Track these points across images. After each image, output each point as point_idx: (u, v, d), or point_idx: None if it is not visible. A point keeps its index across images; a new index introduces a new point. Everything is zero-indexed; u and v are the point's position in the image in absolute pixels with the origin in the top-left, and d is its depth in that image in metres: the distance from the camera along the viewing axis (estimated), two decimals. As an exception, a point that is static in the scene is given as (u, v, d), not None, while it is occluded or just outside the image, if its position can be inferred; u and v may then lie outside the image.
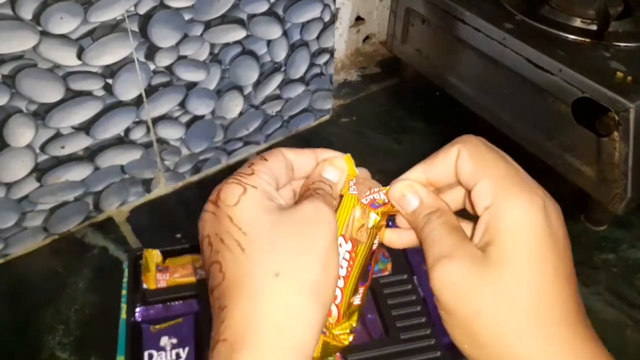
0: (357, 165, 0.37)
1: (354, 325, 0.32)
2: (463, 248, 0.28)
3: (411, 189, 0.32)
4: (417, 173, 0.33)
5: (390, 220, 0.34)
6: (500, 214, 0.28)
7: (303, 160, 0.33)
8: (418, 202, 0.32)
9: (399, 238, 0.34)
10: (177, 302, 0.54)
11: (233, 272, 0.27)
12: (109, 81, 0.62)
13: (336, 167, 0.33)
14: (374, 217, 0.33)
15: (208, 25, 0.67)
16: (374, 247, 0.34)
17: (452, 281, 0.27)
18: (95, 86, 0.61)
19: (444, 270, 0.28)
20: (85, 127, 0.64)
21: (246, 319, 0.26)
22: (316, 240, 0.28)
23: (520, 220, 0.28)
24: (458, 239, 0.29)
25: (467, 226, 0.31)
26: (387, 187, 0.34)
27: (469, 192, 0.31)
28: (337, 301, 0.31)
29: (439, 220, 0.30)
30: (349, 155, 0.35)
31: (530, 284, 0.27)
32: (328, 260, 0.28)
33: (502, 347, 0.27)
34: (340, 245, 0.31)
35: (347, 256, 0.31)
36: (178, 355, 0.51)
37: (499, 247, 0.27)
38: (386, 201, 0.33)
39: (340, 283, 0.31)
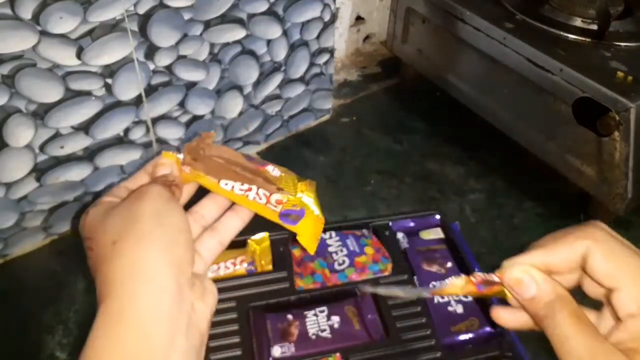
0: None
1: None
2: (604, 353, 0.28)
3: (528, 274, 0.32)
4: (534, 258, 0.33)
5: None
6: None
7: (138, 180, 0.36)
8: (535, 289, 0.31)
9: (514, 320, 0.34)
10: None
11: (92, 262, 0.32)
12: (109, 81, 0.62)
13: (162, 163, 0.36)
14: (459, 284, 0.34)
15: (208, 24, 0.67)
16: None
17: None
18: (94, 86, 0.61)
19: None
20: (85, 127, 0.63)
21: (105, 280, 0.30)
22: (141, 206, 0.32)
23: None
24: (593, 340, 0.29)
25: (589, 314, 0.32)
26: (500, 270, 0.33)
27: (605, 290, 0.31)
28: None
29: (564, 312, 0.30)
30: (164, 152, 0.37)
31: None
32: (158, 218, 0.32)
33: None
34: None
35: None
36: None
37: None
38: (497, 281, 0.33)
39: None
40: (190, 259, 0.32)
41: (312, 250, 0.37)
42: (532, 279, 0.31)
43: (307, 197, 0.38)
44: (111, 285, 0.30)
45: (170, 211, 0.33)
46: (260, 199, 0.36)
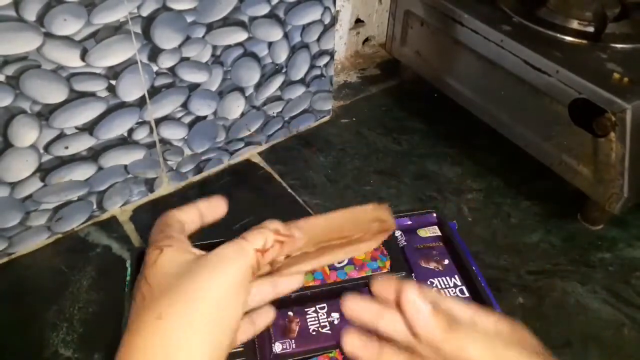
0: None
1: None
2: None
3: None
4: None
5: None
6: None
7: (190, 216, 0.37)
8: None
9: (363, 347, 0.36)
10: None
11: (131, 319, 0.30)
12: (113, 82, 0.63)
13: (265, 228, 0.34)
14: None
15: (210, 27, 0.67)
16: None
17: None
18: (98, 87, 0.62)
19: None
20: (89, 128, 0.64)
21: (130, 351, 0.29)
22: (209, 283, 0.30)
23: None
24: None
25: None
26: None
27: None
28: None
29: None
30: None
31: None
32: (220, 300, 0.30)
33: None
34: None
35: None
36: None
37: None
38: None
39: None
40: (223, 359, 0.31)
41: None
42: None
43: None
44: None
45: (233, 303, 0.31)
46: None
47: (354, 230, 0.36)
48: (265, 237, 0.33)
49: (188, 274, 0.30)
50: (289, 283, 0.37)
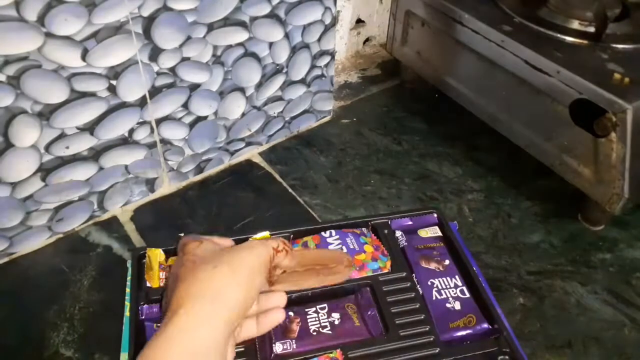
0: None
1: None
2: None
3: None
4: None
5: None
6: None
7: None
8: None
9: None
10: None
11: (182, 275, 0.43)
12: (113, 82, 0.63)
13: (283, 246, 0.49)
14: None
15: (211, 27, 0.67)
16: None
17: None
18: (99, 87, 0.62)
19: None
20: (90, 128, 0.64)
21: (188, 290, 0.42)
22: (245, 254, 0.45)
23: None
24: None
25: None
26: None
27: None
28: None
29: None
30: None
31: None
32: (252, 268, 0.45)
33: None
34: None
35: None
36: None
37: None
38: None
39: None
40: (242, 318, 0.44)
41: None
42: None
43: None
44: (188, 300, 0.40)
45: (257, 276, 0.45)
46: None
47: (330, 262, 0.54)
48: (277, 242, 0.48)
49: (228, 250, 0.46)
50: (270, 321, 0.49)
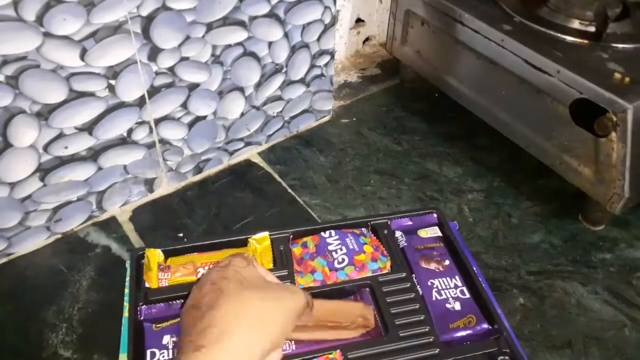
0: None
1: None
2: None
3: None
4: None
5: None
6: None
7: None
8: None
9: None
10: (178, 301, 0.55)
11: (229, 291, 0.42)
12: (112, 82, 0.63)
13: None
14: None
15: (210, 27, 0.67)
16: None
17: None
18: (98, 87, 0.62)
19: None
20: (88, 128, 0.64)
21: (236, 311, 0.41)
22: (287, 297, 0.45)
23: None
24: None
25: None
26: None
27: None
28: None
29: None
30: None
31: None
32: (288, 310, 0.44)
33: None
34: None
35: None
36: (180, 353, 0.51)
37: None
38: None
39: None
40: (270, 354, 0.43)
41: None
42: None
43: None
44: (237, 324, 0.40)
45: (295, 320, 0.45)
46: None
47: (344, 319, 0.52)
48: (309, 296, 0.47)
49: (272, 286, 0.46)
50: None
